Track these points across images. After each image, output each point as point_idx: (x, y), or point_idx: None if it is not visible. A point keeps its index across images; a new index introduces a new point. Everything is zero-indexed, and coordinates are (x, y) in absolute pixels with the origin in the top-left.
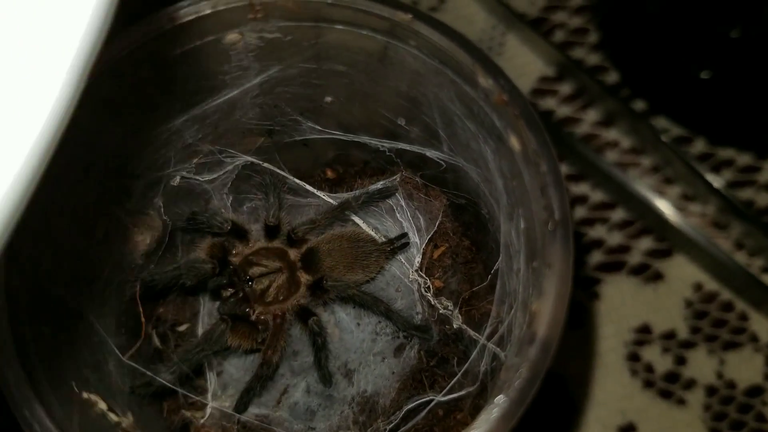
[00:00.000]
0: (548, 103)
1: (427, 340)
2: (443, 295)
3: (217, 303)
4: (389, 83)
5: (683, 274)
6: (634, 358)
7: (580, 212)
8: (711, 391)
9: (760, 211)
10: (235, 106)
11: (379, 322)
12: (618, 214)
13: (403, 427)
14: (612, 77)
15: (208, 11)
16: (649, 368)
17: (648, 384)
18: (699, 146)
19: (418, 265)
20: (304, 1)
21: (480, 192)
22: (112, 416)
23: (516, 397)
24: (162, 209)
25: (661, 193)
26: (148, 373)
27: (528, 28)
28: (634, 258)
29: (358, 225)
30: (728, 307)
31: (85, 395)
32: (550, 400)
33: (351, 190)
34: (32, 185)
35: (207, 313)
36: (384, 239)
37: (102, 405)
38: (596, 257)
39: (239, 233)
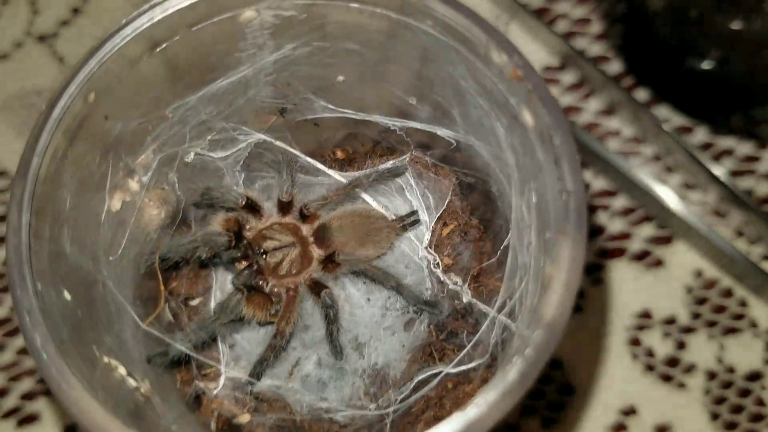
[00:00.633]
0: (551, 92)
1: (436, 314)
2: (452, 272)
3: (231, 276)
4: (401, 62)
5: (684, 260)
6: (635, 342)
7: None
8: (711, 375)
9: (760, 200)
10: (249, 84)
11: (389, 297)
12: (619, 202)
13: (413, 397)
14: (614, 67)
15: None
16: (650, 353)
17: (649, 368)
18: (700, 135)
19: (427, 242)
20: None
21: (490, 169)
22: (131, 381)
23: (533, 357)
24: (176, 185)
25: (662, 182)
26: (167, 339)
27: (531, 18)
28: (636, 245)
29: (368, 203)
30: (728, 293)
31: (105, 359)
32: (551, 384)
33: (361, 170)
34: None
35: (219, 287)
36: (394, 217)
37: (122, 370)
38: (598, 244)
39: (253, 208)
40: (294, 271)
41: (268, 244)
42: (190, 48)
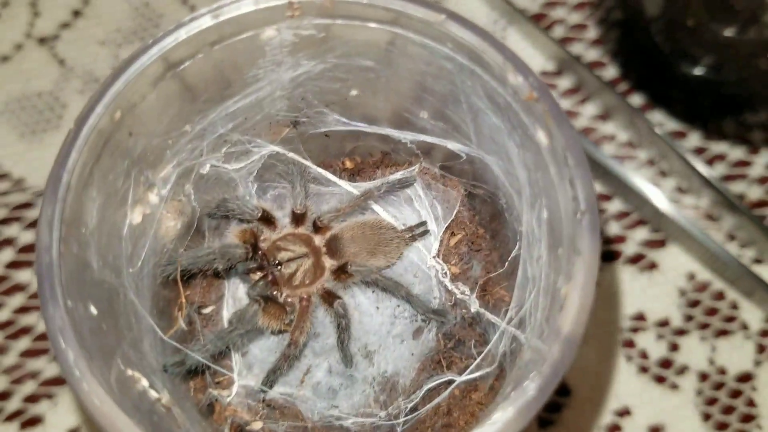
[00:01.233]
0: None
1: (444, 323)
2: (459, 281)
3: (245, 285)
4: (415, 78)
5: (677, 263)
6: (629, 344)
7: None
8: (703, 377)
9: (752, 204)
10: (265, 99)
11: (398, 305)
12: (615, 206)
13: (423, 407)
14: (610, 72)
15: (251, 8)
16: (644, 354)
17: (643, 369)
18: (693, 140)
19: (435, 252)
20: (341, 1)
21: (499, 183)
22: (153, 393)
23: (550, 373)
24: (192, 196)
25: (656, 186)
26: (187, 351)
27: (529, 24)
28: (630, 248)
29: (377, 213)
30: (720, 296)
31: (129, 372)
32: None
33: (369, 180)
34: None
35: (231, 295)
36: (403, 227)
37: (144, 382)
38: None
39: (268, 220)
40: (307, 282)
41: (283, 255)
42: (210, 65)
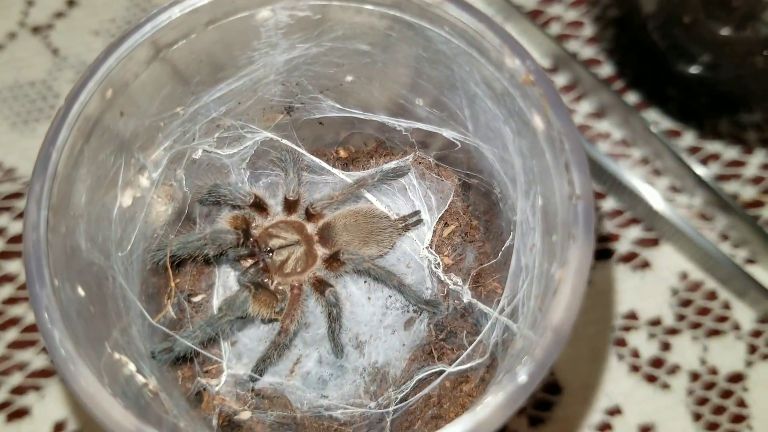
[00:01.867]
0: None
1: (436, 314)
2: (452, 272)
3: (236, 273)
4: (411, 64)
5: (670, 263)
6: (621, 343)
7: None
8: (694, 376)
9: (745, 204)
10: (259, 83)
11: (390, 296)
12: (608, 204)
13: (414, 396)
14: (605, 70)
15: None
16: (636, 353)
17: (634, 368)
18: (688, 139)
19: (428, 242)
20: None
21: (494, 171)
22: (140, 378)
23: (542, 359)
24: (183, 181)
25: (651, 184)
26: (176, 336)
27: (525, 20)
28: (623, 246)
29: (371, 203)
30: (712, 295)
31: (117, 355)
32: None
33: (363, 170)
34: None
35: (222, 284)
36: (396, 216)
37: (131, 366)
38: None
39: (260, 206)
40: (299, 270)
41: (274, 242)
42: (204, 46)
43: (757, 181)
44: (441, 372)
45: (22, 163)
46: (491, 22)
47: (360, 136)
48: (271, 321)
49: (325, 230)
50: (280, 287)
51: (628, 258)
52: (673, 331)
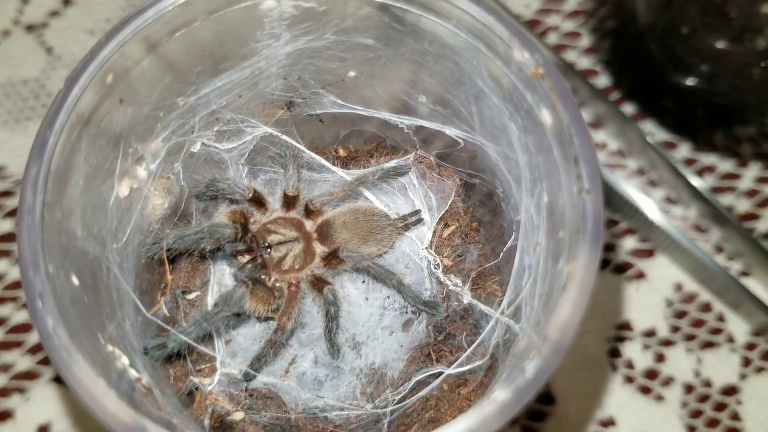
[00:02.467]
0: None
1: (435, 315)
2: (452, 273)
3: (232, 269)
4: (416, 59)
5: (665, 274)
6: (615, 354)
7: None
8: (688, 388)
9: (740, 216)
10: (261, 76)
11: (388, 297)
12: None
13: (411, 398)
14: (602, 81)
15: None
16: (630, 364)
17: (628, 380)
18: (683, 151)
19: (428, 243)
20: None
21: (497, 170)
22: (133, 372)
23: (549, 354)
24: (181, 174)
25: (646, 195)
26: (171, 329)
27: (523, 30)
28: (618, 257)
29: (370, 201)
30: (707, 307)
31: (110, 348)
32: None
33: (363, 168)
34: None
35: (217, 282)
36: (396, 216)
37: (124, 359)
38: None
39: (258, 201)
40: (297, 267)
41: (273, 238)
42: (207, 35)
43: (751, 194)
44: (439, 374)
45: (13, 161)
46: (500, 14)
47: (360, 135)
48: (267, 319)
49: (324, 228)
50: (278, 284)
51: (623, 268)
52: (667, 343)
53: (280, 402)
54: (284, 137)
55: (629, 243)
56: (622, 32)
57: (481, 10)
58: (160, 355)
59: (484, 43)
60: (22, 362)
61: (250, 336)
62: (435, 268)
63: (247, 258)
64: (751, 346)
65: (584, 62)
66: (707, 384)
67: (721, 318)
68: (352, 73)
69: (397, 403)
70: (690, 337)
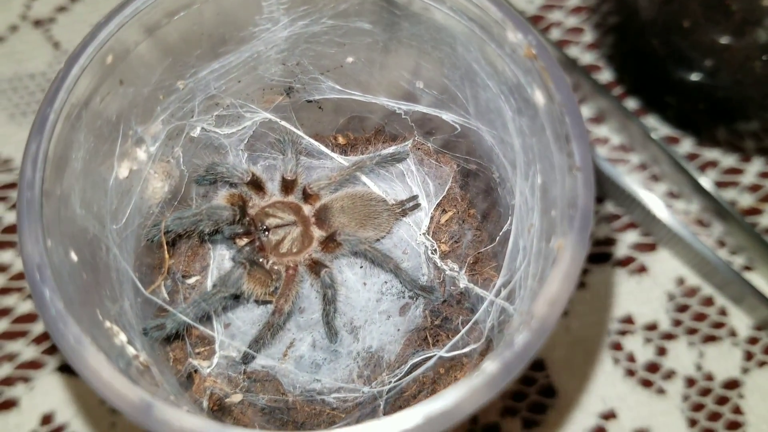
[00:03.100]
0: None
1: (432, 300)
2: (449, 259)
3: (233, 251)
4: (413, 43)
5: (667, 267)
6: (617, 347)
7: None
8: (690, 382)
9: (743, 211)
10: (259, 60)
11: (386, 282)
12: (606, 208)
13: (407, 380)
14: (605, 76)
15: None
16: (631, 358)
17: (630, 373)
18: (686, 146)
19: (425, 228)
20: None
21: (493, 155)
22: (131, 349)
23: (538, 328)
24: (181, 159)
25: (648, 190)
26: (168, 307)
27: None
28: (620, 251)
29: (368, 187)
30: (709, 301)
31: (108, 324)
32: (533, 385)
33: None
34: None
35: (217, 267)
36: (394, 202)
37: (122, 336)
38: None
39: (257, 185)
40: (295, 250)
41: (271, 222)
42: (206, 18)
43: (754, 188)
44: (435, 357)
45: (20, 154)
46: None
47: (359, 122)
48: (264, 303)
49: (321, 212)
50: (276, 267)
51: (625, 262)
52: (669, 336)
53: (277, 384)
54: (283, 123)
55: (631, 237)
56: (625, 28)
57: None
58: (159, 335)
59: (478, 26)
60: (27, 352)
61: (249, 320)
62: (432, 253)
63: (245, 241)
64: (753, 340)
65: (587, 58)
66: (709, 378)
67: (723, 312)
68: (350, 59)
69: (393, 385)
70: (692, 331)
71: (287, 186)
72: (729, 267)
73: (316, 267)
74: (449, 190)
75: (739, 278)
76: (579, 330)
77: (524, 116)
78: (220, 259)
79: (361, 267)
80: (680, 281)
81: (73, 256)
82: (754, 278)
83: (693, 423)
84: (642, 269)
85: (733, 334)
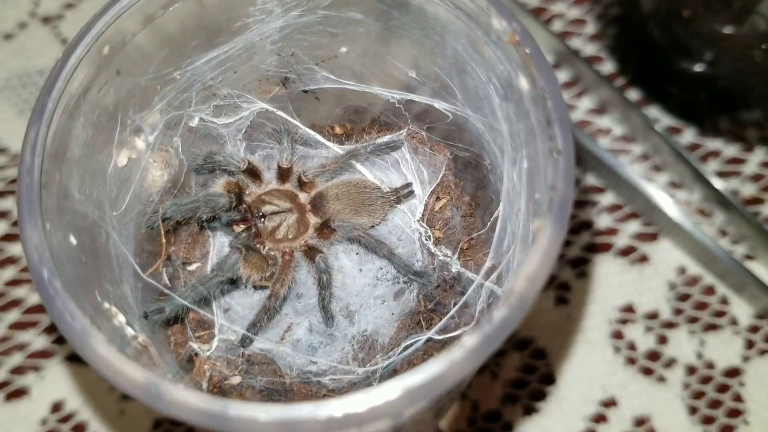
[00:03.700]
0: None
1: (425, 285)
2: (442, 245)
3: (230, 238)
4: (404, 33)
5: (668, 257)
6: (617, 335)
7: None
8: (691, 370)
9: (745, 201)
10: (254, 51)
11: (381, 268)
12: (608, 198)
13: (399, 362)
14: (607, 67)
15: None
16: (632, 346)
17: (630, 361)
18: (688, 136)
19: (420, 215)
20: None
21: (484, 142)
22: (130, 330)
23: (515, 304)
24: (180, 148)
25: (650, 180)
26: (166, 290)
27: (528, 17)
28: (622, 240)
29: (363, 175)
30: (710, 290)
31: (107, 305)
32: (534, 373)
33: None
34: None
35: (217, 254)
36: (389, 189)
37: (121, 318)
38: (585, 238)
39: (254, 173)
40: (290, 236)
41: (267, 209)
42: (202, 9)
43: (756, 178)
44: (428, 339)
45: None
46: None
47: (355, 112)
48: (262, 288)
49: (317, 200)
50: (272, 253)
51: (627, 252)
52: (670, 325)
53: (275, 367)
54: (280, 113)
55: (633, 227)
56: (627, 19)
57: None
58: (159, 318)
59: (465, 14)
60: (38, 341)
61: (248, 305)
62: (426, 239)
63: (242, 227)
64: (754, 329)
65: (589, 49)
66: (710, 366)
67: (724, 301)
68: (343, 49)
69: (387, 367)
70: (693, 320)
71: (283, 174)
72: (730, 256)
73: (311, 253)
74: (443, 177)
75: (741, 267)
76: (580, 319)
77: (510, 102)
78: (220, 246)
79: (357, 254)
80: (681, 270)
81: (72, 240)
82: (756, 267)
83: (693, 410)
84: (643, 259)
85: (734, 322)
